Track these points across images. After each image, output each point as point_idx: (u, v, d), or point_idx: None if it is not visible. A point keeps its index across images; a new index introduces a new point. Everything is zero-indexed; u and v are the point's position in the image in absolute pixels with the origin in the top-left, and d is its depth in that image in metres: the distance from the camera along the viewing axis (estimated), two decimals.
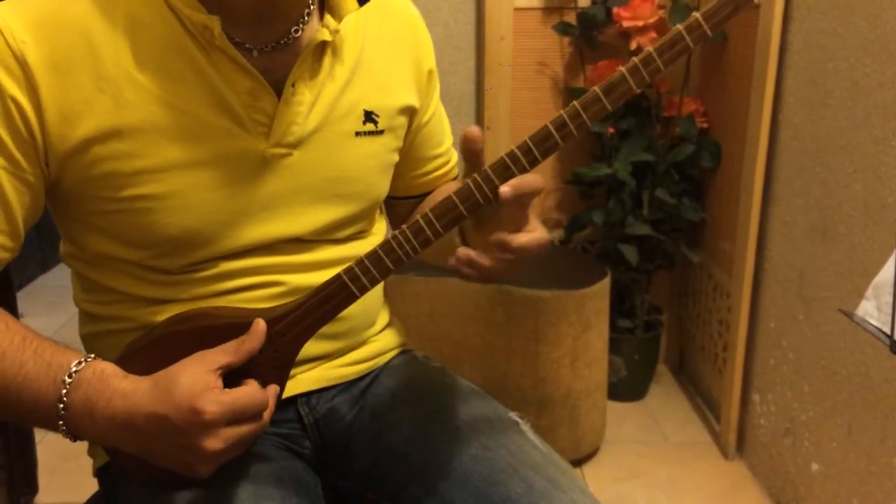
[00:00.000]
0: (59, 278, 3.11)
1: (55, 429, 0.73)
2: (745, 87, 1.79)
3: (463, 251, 0.73)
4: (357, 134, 0.87)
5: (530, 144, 0.71)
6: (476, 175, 0.73)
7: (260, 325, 0.75)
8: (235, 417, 0.70)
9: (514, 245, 0.72)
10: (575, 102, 0.71)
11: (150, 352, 0.77)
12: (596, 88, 0.70)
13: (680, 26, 0.69)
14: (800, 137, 1.60)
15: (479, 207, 0.73)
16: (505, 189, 0.71)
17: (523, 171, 0.72)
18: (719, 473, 1.89)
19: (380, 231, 0.98)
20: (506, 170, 0.72)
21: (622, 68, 0.70)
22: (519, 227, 0.74)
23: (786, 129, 1.66)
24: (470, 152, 0.73)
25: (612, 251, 2.06)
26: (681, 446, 2.00)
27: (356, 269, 0.75)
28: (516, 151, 0.72)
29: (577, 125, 0.71)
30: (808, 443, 1.61)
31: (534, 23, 2.06)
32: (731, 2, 0.68)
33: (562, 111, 0.71)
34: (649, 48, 0.69)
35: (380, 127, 0.88)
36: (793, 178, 1.64)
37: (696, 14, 0.68)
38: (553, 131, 0.71)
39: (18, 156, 0.74)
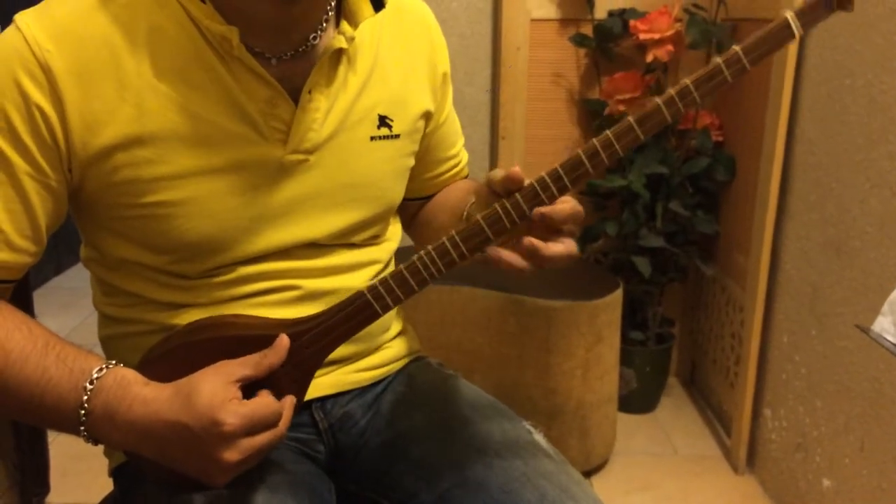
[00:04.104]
0: (74, 280, 3.13)
1: (77, 433, 0.73)
2: (760, 101, 1.79)
3: (493, 251, 0.74)
4: (372, 139, 0.87)
5: (560, 172, 0.71)
6: (505, 200, 0.73)
7: (283, 341, 0.76)
8: (253, 428, 0.71)
9: (544, 254, 0.73)
10: (608, 132, 0.70)
11: (172, 359, 0.77)
12: (630, 118, 0.70)
13: (719, 59, 0.67)
14: (815, 152, 1.60)
15: (506, 232, 0.74)
16: (535, 214, 0.72)
17: (552, 198, 0.73)
18: (729, 488, 1.88)
19: (394, 236, 0.99)
20: (535, 196, 0.72)
21: (658, 99, 0.69)
22: (547, 239, 0.75)
23: (801, 144, 1.66)
24: (508, 192, 0.74)
25: (625, 263, 2.06)
26: (691, 460, 1.99)
27: (380, 289, 0.76)
28: (546, 178, 0.72)
29: (609, 154, 0.71)
30: (819, 458, 1.60)
31: (550, 34, 2.07)
32: (773, 36, 0.67)
33: (594, 140, 0.71)
34: (686, 81, 0.68)
35: (395, 131, 0.89)
36: (808, 193, 1.63)
37: (737, 48, 0.67)
38: (584, 159, 0.71)
39: (43, 162, 0.75)
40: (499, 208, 0.73)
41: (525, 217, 0.73)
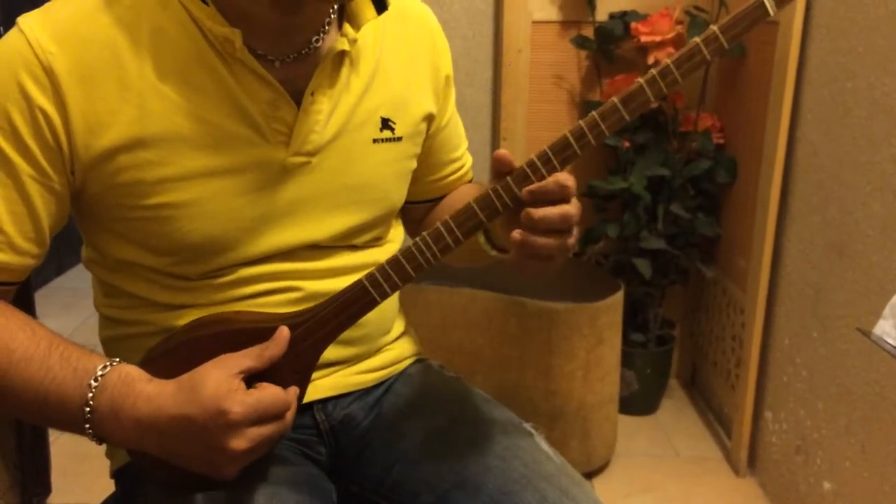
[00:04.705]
0: (75, 280, 3.13)
1: (82, 432, 0.74)
2: (762, 103, 1.79)
3: (518, 233, 0.73)
4: (375, 141, 0.88)
5: (549, 154, 0.73)
6: (496, 184, 0.74)
7: (283, 332, 0.76)
8: (260, 417, 0.71)
9: (535, 216, 0.73)
10: (593, 112, 0.72)
11: (174, 356, 0.78)
12: (614, 99, 0.71)
13: (697, 38, 0.70)
14: (817, 154, 1.60)
15: (499, 215, 0.75)
16: (524, 194, 0.73)
17: (542, 179, 0.73)
18: (730, 490, 1.88)
19: (396, 238, 0.99)
20: (525, 178, 0.74)
21: (640, 79, 0.71)
22: None
23: (803, 146, 1.66)
24: (500, 174, 0.74)
25: (626, 265, 2.06)
26: (692, 461, 1.99)
27: (377, 275, 0.76)
28: (535, 161, 0.73)
29: (596, 135, 0.72)
30: (820, 461, 1.60)
31: (551, 36, 2.07)
32: (748, 15, 0.69)
33: (580, 121, 0.72)
34: (667, 60, 0.70)
35: (397, 134, 0.89)
36: (809, 195, 1.63)
37: (714, 27, 0.70)
38: (572, 141, 0.72)
39: (46, 165, 0.75)
40: (490, 191, 0.74)
41: (517, 199, 0.74)
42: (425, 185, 1.02)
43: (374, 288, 0.77)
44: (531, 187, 0.73)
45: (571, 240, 0.76)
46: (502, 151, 0.74)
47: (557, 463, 0.86)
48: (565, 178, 0.74)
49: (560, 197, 0.74)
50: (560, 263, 0.77)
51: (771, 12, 0.69)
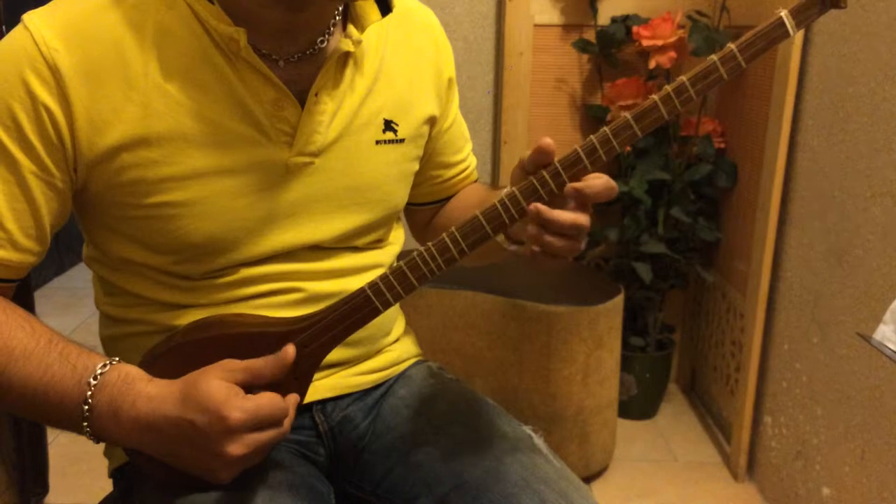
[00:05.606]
0: (74, 280, 3.13)
1: (80, 430, 0.73)
2: (763, 108, 1.80)
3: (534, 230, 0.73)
4: (377, 143, 0.88)
5: (559, 168, 0.72)
6: (504, 197, 0.73)
7: (289, 352, 0.75)
8: (258, 424, 0.71)
9: (548, 216, 0.71)
10: (605, 128, 0.71)
11: (174, 357, 0.77)
12: (627, 115, 0.71)
13: (714, 56, 0.69)
14: (818, 160, 1.60)
15: (505, 228, 0.75)
16: (568, 189, 0.72)
17: (551, 194, 0.73)
18: (729, 495, 1.88)
19: (397, 240, 0.99)
20: (533, 192, 0.73)
21: (654, 96, 0.70)
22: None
23: (804, 151, 1.66)
24: (538, 164, 0.73)
25: (626, 269, 2.06)
26: (690, 466, 1.99)
27: (380, 285, 0.76)
28: (545, 174, 0.72)
29: (607, 151, 0.71)
30: (819, 467, 1.60)
31: (553, 39, 2.07)
32: (767, 34, 0.68)
33: (592, 136, 0.71)
34: (682, 78, 0.69)
35: (399, 136, 0.89)
36: (810, 201, 1.63)
37: (732, 45, 0.68)
38: (583, 156, 0.72)
39: (48, 162, 0.75)
40: (497, 205, 0.74)
41: (524, 213, 0.73)
42: (431, 188, 1.02)
43: (376, 297, 0.76)
44: (578, 185, 0.72)
45: (582, 244, 0.75)
46: (548, 140, 0.72)
47: (556, 466, 0.86)
48: (585, 219, 0.73)
49: (604, 198, 0.73)
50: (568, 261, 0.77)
51: (791, 32, 0.68)
